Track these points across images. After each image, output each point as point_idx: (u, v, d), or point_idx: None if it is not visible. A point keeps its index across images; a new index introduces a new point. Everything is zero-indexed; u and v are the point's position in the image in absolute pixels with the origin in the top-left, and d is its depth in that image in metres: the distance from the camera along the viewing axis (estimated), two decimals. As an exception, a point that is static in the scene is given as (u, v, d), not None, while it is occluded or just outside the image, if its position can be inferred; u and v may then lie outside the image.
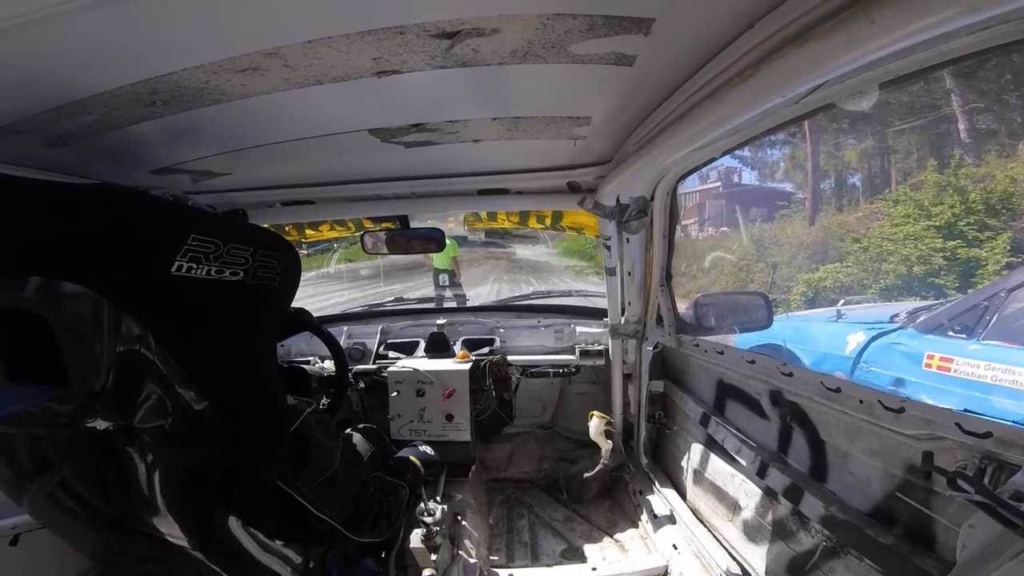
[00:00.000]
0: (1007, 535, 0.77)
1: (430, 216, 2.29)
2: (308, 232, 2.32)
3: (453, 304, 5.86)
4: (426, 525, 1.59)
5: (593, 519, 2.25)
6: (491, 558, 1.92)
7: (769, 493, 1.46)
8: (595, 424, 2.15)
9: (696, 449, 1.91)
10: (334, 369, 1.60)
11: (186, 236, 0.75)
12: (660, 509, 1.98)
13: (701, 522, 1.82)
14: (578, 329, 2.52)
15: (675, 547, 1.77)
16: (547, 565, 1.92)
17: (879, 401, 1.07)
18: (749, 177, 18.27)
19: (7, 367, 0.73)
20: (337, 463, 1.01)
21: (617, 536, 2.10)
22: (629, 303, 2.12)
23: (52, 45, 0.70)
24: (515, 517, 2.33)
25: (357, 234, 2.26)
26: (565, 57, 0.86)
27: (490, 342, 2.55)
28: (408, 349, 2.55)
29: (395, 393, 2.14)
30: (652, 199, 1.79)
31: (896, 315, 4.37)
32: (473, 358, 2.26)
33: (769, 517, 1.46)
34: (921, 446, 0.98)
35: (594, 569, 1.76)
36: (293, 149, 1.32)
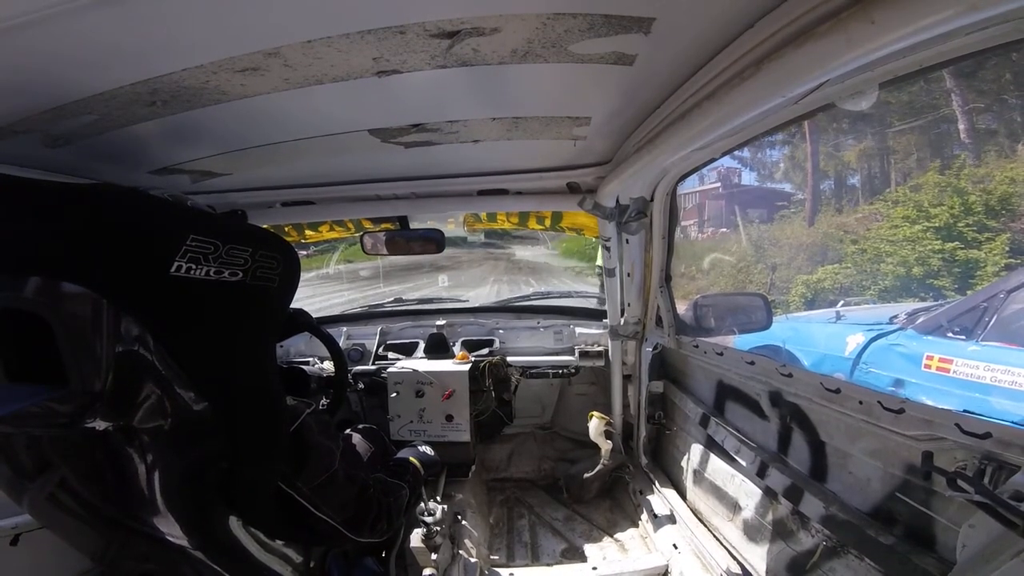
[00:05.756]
0: (1007, 535, 0.77)
1: (430, 217, 2.29)
2: (308, 232, 2.32)
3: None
4: (426, 525, 1.58)
5: (593, 519, 2.25)
6: (491, 557, 1.92)
7: (769, 493, 1.46)
8: (595, 424, 2.15)
9: (696, 449, 1.91)
10: (333, 370, 1.60)
11: (185, 236, 0.75)
12: (660, 509, 1.98)
13: (701, 522, 1.82)
14: (577, 330, 2.52)
15: (675, 547, 1.77)
16: (547, 565, 1.92)
17: (879, 402, 1.07)
18: (749, 178, 18.21)
19: (7, 367, 0.73)
20: (337, 463, 1.01)
21: (617, 536, 2.10)
22: (628, 304, 2.12)
23: (52, 45, 0.70)
24: (515, 517, 2.33)
25: (357, 235, 2.26)
26: (565, 57, 0.85)
27: (489, 343, 2.55)
28: (407, 350, 2.55)
29: (395, 394, 2.14)
30: (652, 200, 1.79)
31: (895, 316, 4.36)
32: (472, 359, 2.25)
33: (769, 517, 1.46)
34: (921, 446, 0.98)
35: (594, 569, 1.76)
36: (293, 149, 1.32)
